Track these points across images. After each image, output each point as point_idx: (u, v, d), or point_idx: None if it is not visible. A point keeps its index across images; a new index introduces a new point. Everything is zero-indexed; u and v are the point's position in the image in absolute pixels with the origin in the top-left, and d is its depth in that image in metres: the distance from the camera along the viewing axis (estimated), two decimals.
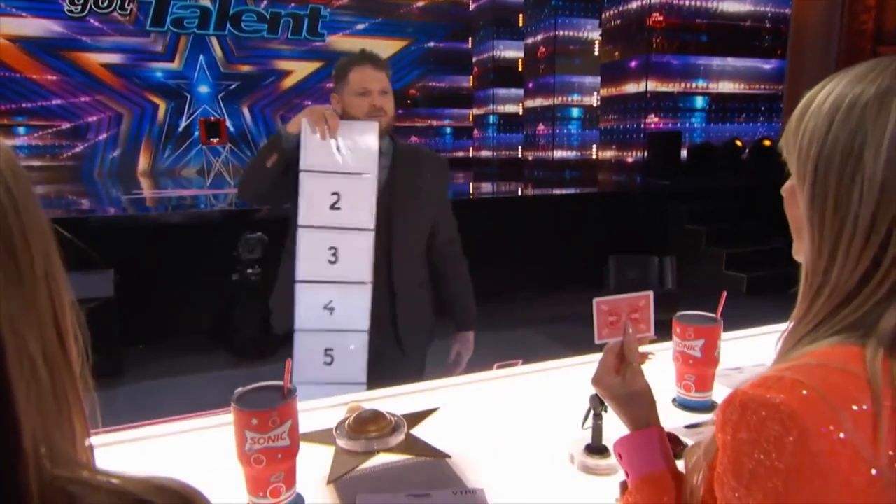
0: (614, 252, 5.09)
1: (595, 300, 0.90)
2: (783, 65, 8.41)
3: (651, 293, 0.91)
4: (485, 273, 5.25)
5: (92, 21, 9.37)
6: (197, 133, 9.11)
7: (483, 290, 5.53)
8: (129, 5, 9.36)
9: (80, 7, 9.10)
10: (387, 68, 1.82)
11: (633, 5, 8.25)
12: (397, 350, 1.85)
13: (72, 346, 0.43)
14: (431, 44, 11.92)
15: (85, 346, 0.45)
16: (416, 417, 1.24)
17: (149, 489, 0.42)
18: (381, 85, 1.77)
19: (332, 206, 1.69)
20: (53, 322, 0.41)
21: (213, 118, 7.99)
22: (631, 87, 8.48)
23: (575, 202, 6.69)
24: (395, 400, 1.33)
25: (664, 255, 5.08)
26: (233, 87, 10.60)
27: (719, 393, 1.26)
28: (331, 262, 1.69)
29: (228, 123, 9.39)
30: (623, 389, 0.83)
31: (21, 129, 9.50)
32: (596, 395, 1.00)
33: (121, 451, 1.14)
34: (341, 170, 1.68)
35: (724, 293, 1.20)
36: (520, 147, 11.57)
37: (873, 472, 0.47)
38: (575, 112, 10.19)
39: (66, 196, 7.78)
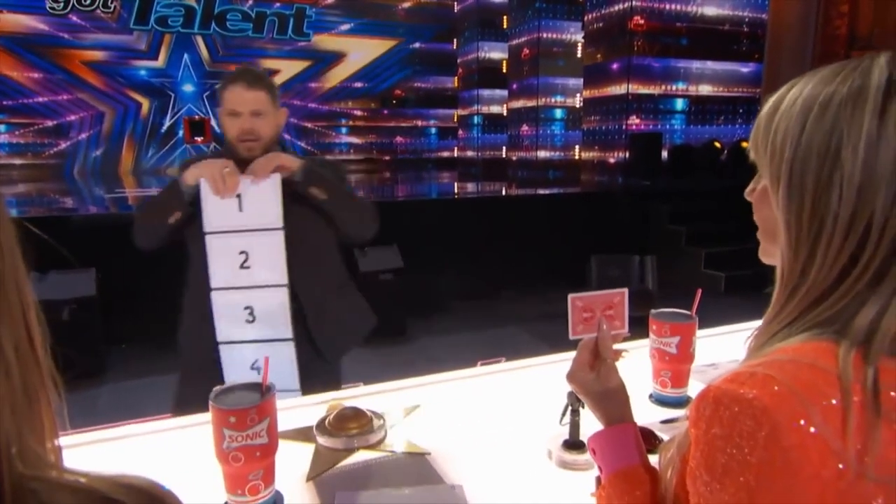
0: (597, 251, 5.14)
1: (570, 296, 0.92)
2: (760, 68, 8.54)
3: (626, 290, 0.93)
4: (470, 271, 5.32)
5: (74, 18, 9.26)
6: (181, 132, 9.05)
7: (468, 288, 5.58)
8: (112, 3, 9.26)
9: (62, 4, 8.98)
10: (267, 87, 1.66)
11: (615, 8, 8.34)
12: (319, 359, 1.77)
13: (39, 344, 0.42)
14: (417, 44, 11.94)
15: (50, 345, 0.44)
16: (398, 414, 1.26)
17: (117, 488, 0.41)
18: (253, 106, 1.62)
19: (242, 266, 1.61)
20: (23, 320, 0.41)
21: (197, 117, 7.94)
22: (613, 89, 8.56)
23: (558, 202, 6.75)
24: (377, 397, 1.34)
25: (645, 254, 5.14)
26: (218, 85, 10.53)
27: (694, 389, 1.29)
28: (248, 322, 1.64)
29: (213, 122, 9.33)
30: (597, 386, 0.83)
31: (1, 127, 9.35)
32: (573, 391, 1.02)
33: (101, 450, 1.14)
34: (247, 227, 1.60)
35: (700, 291, 1.21)
36: (504, 147, 11.63)
37: (840, 465, 0.48)
38: (558, 113, 10.26)
39: (47, 194, 7.68)
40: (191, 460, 1.06)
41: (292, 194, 1.61)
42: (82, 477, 0.41)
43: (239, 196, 1.58)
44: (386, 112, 12.22)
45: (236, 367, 1.64)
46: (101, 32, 9.50)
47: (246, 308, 1.63)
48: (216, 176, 1.54)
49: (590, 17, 8.90)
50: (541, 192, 7.69)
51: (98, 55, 9.54)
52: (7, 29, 8.99)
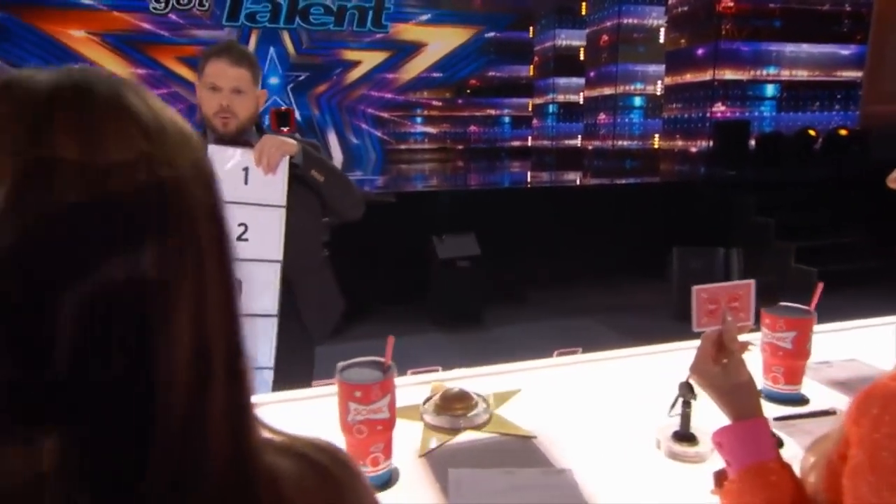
0: (676, 243, 5.00)
1: (694, 288, 0.91)
2: (863, 50, 7.98)
3: (752, 282, 0.92)
4: (544, 261, 5.29)
5: (173, 17, 9.80)
6: (267, 122, 9.42)
7: (542, 277, 5.54)
8: (206, 1, 9.73)
9: (163, 4, 9.54)
10: (250, 65, 1.63)
11: None
12: (302, 339, 1.79)
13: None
14: (493, 33, 11.88)
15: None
16: (500, 398, 1.28)
17: (315, 450, 0.44)
18: (235, 83, 1.59)
19: (240, 238, 1.61)
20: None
21: (283, 108, 8.20)
22: (697, 76, 8.23)
23: (636, 192, 6.59)
24: (475, 381, 1.37)
25: (730, 247, 4.95)
26: (302, 77, 10.90)
27: (808, 386, 1.25)
28: None
29: (297, 114, 9.65)
30: (725, 380, 0.82)
31: None
32: (686, 382, 1.00)
33: None
34: (250, 201, 1.62)
35: (821, 285, 1.18)
36: (579, 136, 11.42)
37: None
38: (637, 101, 9.98)
39: None
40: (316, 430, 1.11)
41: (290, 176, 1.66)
42: (285, 438, 0.44)
43: (246, 169, 1.61)
44: (460, 101, 12.25)
45: None
46: (196, 29, 10.02)
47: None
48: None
49: (674, 0, 8.58)
50: (618, 181, 7.51)
51: (193, 51, 10.06)
52: (114, 27, 9.68)
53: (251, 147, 1.62)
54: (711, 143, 7.96)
